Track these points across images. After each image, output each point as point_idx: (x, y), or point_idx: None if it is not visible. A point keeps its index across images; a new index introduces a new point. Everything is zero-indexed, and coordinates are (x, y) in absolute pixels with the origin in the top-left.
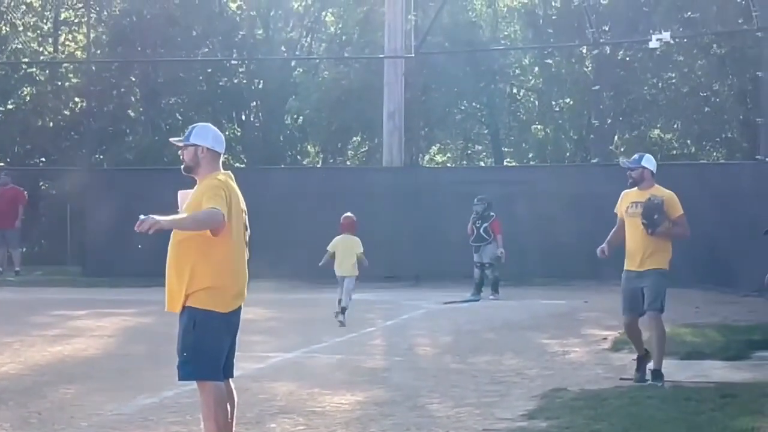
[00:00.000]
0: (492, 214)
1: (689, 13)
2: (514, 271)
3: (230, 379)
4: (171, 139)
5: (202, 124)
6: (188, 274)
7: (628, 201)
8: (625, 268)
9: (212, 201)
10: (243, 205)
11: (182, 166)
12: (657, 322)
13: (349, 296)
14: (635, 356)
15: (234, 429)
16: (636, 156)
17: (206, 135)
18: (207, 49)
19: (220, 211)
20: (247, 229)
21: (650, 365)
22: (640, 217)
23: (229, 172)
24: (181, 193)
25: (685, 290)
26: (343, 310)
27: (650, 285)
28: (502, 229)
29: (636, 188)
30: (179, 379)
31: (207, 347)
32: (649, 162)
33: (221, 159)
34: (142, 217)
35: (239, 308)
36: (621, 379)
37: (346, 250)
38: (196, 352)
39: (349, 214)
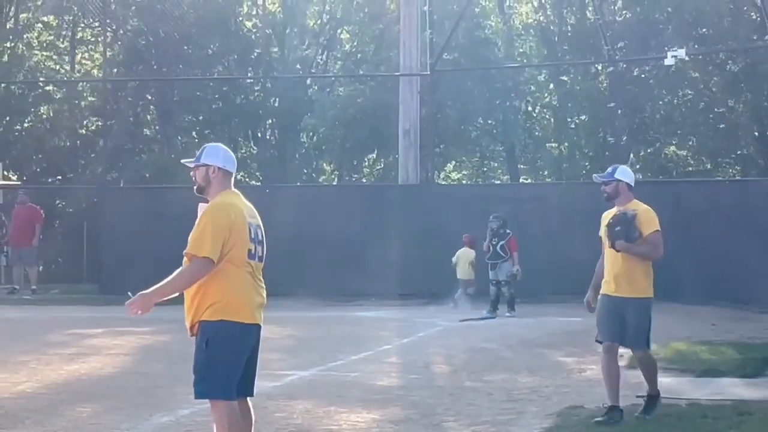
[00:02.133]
0: (508, 231)
1: (703, 30)
2: (530, 288)
3: (248, 398)
4: (182, 161)
5: (212, 144)
6: (199, 298)
7: (606, 221)
8: (601, 291)
9: (195, 244)
10: (256, 221)
11: (194, 187)
12: (647, 357)
13: (465, 292)
14: (607, 403)
15: None
16: (609, 169)
17: (217, 154)
18: (222, 68)
19: (204, 259)
20: (261, 244)
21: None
22: (610, 224)
23: (237, 191)
24: (201, 206)
25: (701, 307)
26: (455, 302)
27: (632, 320)
28: (518, 246)
29: (615, 207)
30: (195, 398)
31: (220, 365)
32: (625, 174)
33: (233, 178)
34: (129, 294)
35: (258, 327)
36: (637, 396)
37: (465, 260)
38: (208, 370)
39: (467, 234)
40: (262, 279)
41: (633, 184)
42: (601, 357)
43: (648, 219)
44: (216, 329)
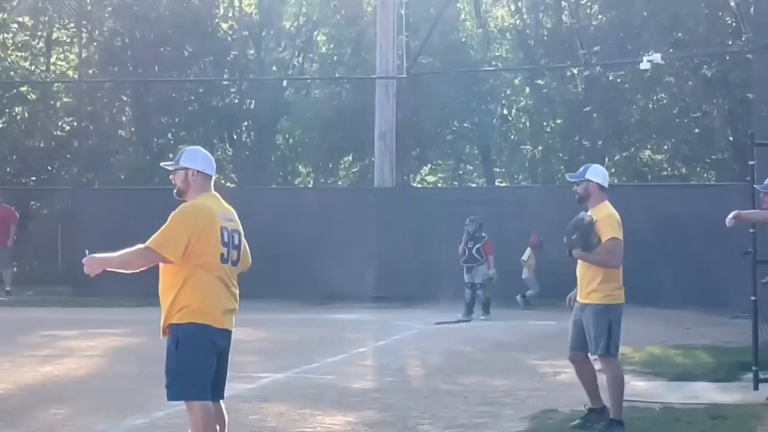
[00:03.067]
0: (484, 234)
1: (678, 34)
2: (505, 291)
3: (221, 401)
4: (162, 164)
5: (191, 147)
6: (171, 300)
7: None
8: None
9: (156, 239)
10: (232, 225)
11: (174, 190)
12: (608, 366)
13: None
14: (588, 405)
15: None
16: (581, 168)
17: (195, 158)
18: (198, 69)
19: (152, 250)
20: (237, 249)
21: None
22: (566, 232)
23: (216, 193)
24: None
25: (675, 311)
26: (524, 296)
27: (588, 325)
28: (493, 249)
29: (588, 208)
30: (167, 400)
31: (191, 366)
32: (596, 174)
33: (212, 181)
34: (86, 252)
35: (228, 332)
36: (586, 407)
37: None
38: (180, 372)
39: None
40: (236, 285)
41: (606, 185)
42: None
43: (606, 225)
44: (185, 332)
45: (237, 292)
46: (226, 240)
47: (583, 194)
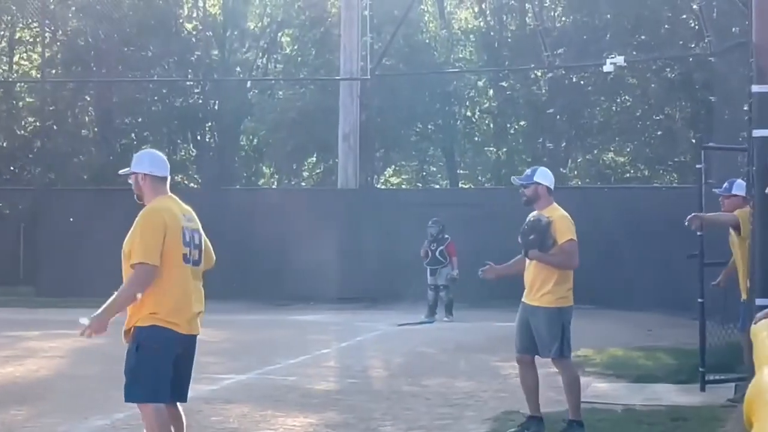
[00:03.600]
0: (447, 236)
1: (642, 37)
2: (470, 293)
3: (179, 403)
4: (120, 172)
5: (142, 150)
6: (136, 306)
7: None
8: (522, 300)
9: (137, 253)
10: (193, 225)
11: (135, 195)
12: (564, 368)
13: None
14: (526, 413)
15: None
16: (528, 171)
17: (141, 161)
18: (162, 70)
19: (146, 264)
20: (198, 248)
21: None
22: (523, 231)
23: (173, 195)
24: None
25: (637, 313)
26: None
27: (540, 328)
28: (456, 251)
29: (535, 210)
30: (125, 400)
31: (149, 370)
32: (544, 176)
33: (167, 182)
34: (81, 322)
35: (193, 337)
36: (525, 415)
37: None
38: (138, 374)
39: None
40: (201, 285)
41: (552, 187)
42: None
43: (563, 227)
44: (147, 334)
45: (202, 292)
46: (187, 240)
47: (531, 197)
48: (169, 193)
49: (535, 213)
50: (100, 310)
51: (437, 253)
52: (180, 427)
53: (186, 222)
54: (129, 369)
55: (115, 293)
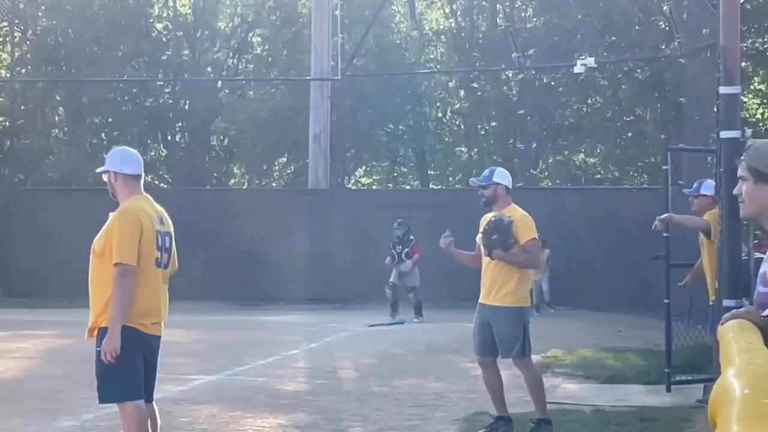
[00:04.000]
0: (412, 238)
1: (612, 38)
2: (442, 294)
3: (153, 403)
4: (98, 170)
5: (116, 148)
6: (103, 305)
7: (482, 225)
8: (479, 299)
9: (117, 253)
10: (165, 228)
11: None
12: (527, 367)
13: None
14: (494, 414)
15: None
16: (486, 172)
17: (113, 159)
18: (132, 69)
19: (127, 265)
20: (168, 252)
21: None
22: (485, 232)
23: (147, 195)
24: (111, 214)
25: (607, 314)
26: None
27: (501, 328)
28: (422, 251)
29: (492, 211)
30: (99, 402)
31: (122, 368)
32: (503, 177)
33: (140, 180)
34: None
35: (157, 338)
36: (491, 415)
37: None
38: (111, 374)
39: None
40: (166, 290)
41: (510, 187)
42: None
43: (525, 226)
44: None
45: (167, 298)
46: (159, 244)
47: (491, 198)
48: (143, 193)
49: (495, 213)
50: (110, 334)
51: (403, 255)
52: (154, 427)
53: (159, 225)
54: (100, 371)
55: (111, 307)
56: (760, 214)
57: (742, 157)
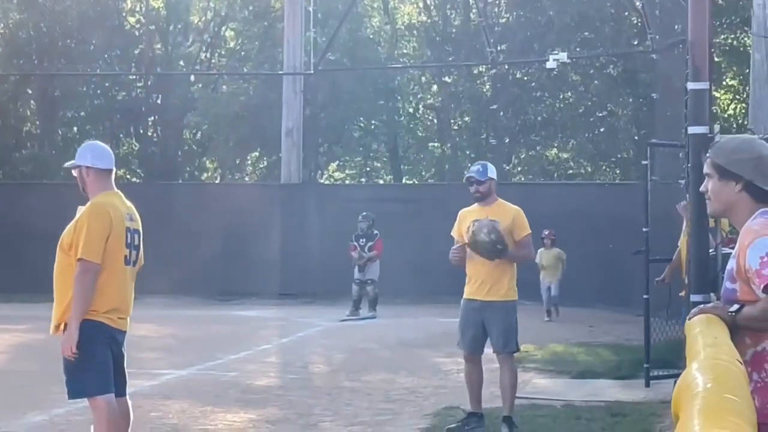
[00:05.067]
0: (376, 232)
1: (585, 33)
2: (413, 288)
3: (127, 397)
4: (65, 165)
5: (86, 143)
6: (69, 300)
7: (469, 220)
8: (466, 296)
9: (82, 249)
10: (135, 225)
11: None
12: (511, 363)
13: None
14: (467, 409)
15: None
16: (479, 166)
17: (85, 154)
18: (105, 63)
19: (90, 262)
20: (137, 249)
21: (503, 412)
22: (490, 242)
23: (118, 191)
24: (80, 208)
25: (579, 309)
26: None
27: (497, 322)
28: (382, 249)
29: (477, 204)
30: (69, 398)
31: (91, 363)
32: (494, 171)
33: (112, 175)
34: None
35: (122, 333)
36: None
37: (551, 260)
38: (80, 369)
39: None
40: (132, 287)
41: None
42: (465, 361)
43: (523, 221)
44: (82, 329)
45: (132, 293)
46: (128, 241)
47: (486, 192)
48: (114, 188)
49: (478, 217)
50: (66, 332)
51: (366, 249)
52: (126, 422)
53: (129, 222)
54: (68, 367)
55: (74, 303)
56: (724, 210)
57: (708, 154)
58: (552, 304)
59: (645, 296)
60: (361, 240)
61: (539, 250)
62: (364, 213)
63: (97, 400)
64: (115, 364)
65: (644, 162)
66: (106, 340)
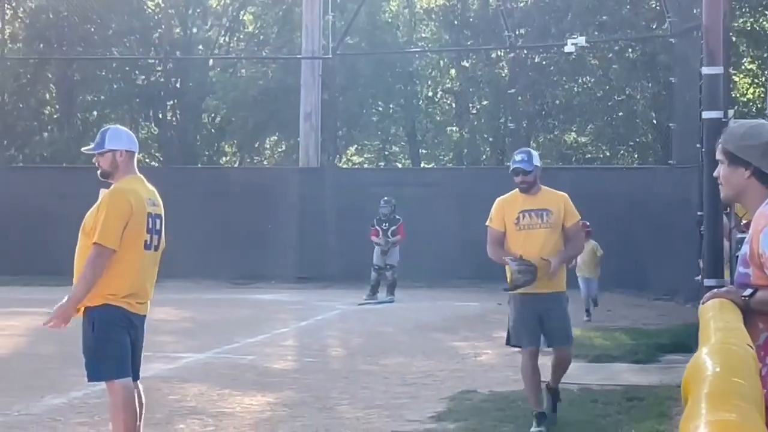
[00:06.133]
0: (398, 217)
1: (603, 17)
2: (431, 272)
3: (139, 381)
4: (84, 149)
5: (113, 127)
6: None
7: (515, 211)
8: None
9: (99, 233)
10: (156, 210)
11: (99, 172)
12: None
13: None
14: (536, 410)
15: (142, 430)
16: (523, 155)
17: (120, 138)
18: (124, 47)
19: (105, 247)
20: (158, 234)
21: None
22: (527, 282)
23: (140, 175)
24: (102, 191)
25: (598, 293)
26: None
27: (563, 315)
28: (405, 233)
29: (520, 193)
30: (88, 380)
31: (109, 346)
32: (538, 159)
33: (135, 159)
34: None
35: (141, 317)
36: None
37: (586, 255)
38: (98, 353)
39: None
40: (155, 272)
41: None
42: (526, 358)
43: (572, 208)
44: (100, 313)
45: (154, 279)
46: (150, 226)
47: (532, 182)
48: (137, 173)
49: (523, 207)
50: (65, 300)
51: (389, 233)
52: (140, 405)
53: (150, 207)
54: (88, 349)
55: (77, 281)
56: (736, 196)
57: (720, 140)
58: (592, 302)
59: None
60: (384, 224)
61: None
62: (386, 198)
63: (114, 384)
64: (133, 349)
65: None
66: (124, 324)
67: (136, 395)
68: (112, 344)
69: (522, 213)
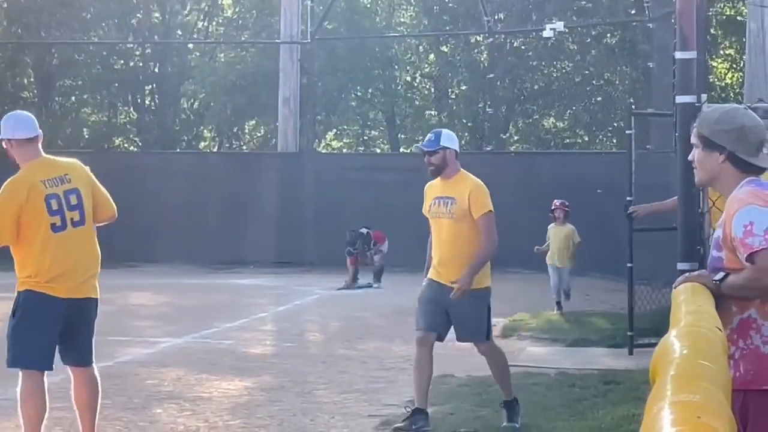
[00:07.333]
0: (364, 231)
1: (582, 2)
2: (412, 258)
3: (93, 366)
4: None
5: (7, 115)
6: (17, 269)
7: (431, 197)
8: (431, 276)
9: None
10: (71, 185)
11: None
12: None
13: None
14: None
15: (98, 417)
16: (431, 135)
17: (5, 127)
18: (102, 32)
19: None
20: (77, 208)
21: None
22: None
23: (46, 156)
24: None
25: (575, 278)
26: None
27: (469, 307)
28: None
29: (438, 178)
30: (7, 367)
31: (24, 335)
32: (450, 140)
33: (38, 142)
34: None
35: (79, 300)
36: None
37: (558, 239)
38: (14, 339)
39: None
40: (91, 247)
41: (458, 151)
42: (417, 343)
43: (479, 198)
44: (24, 299)
45: (95, 253)
46: (54, 208)
47: (440, 165)
48: (42, 155)
49: (438, 193)
50: None
51: (372, 248)
52: (93, 390)
53: (52, 188)
54: (7, 334)
55: None
56: (710, 180)
57: (694, 125)
58: (564, 294)
59: (629, 265)
60: (358, 247)
61: (548, 227)
62: (351, 229)
63: (23, 373)
64: (74, 334)
65: (628, 132)
66: (48, 311)
67: (88, 381)
68: (29, 334)
69: (435, 199)
